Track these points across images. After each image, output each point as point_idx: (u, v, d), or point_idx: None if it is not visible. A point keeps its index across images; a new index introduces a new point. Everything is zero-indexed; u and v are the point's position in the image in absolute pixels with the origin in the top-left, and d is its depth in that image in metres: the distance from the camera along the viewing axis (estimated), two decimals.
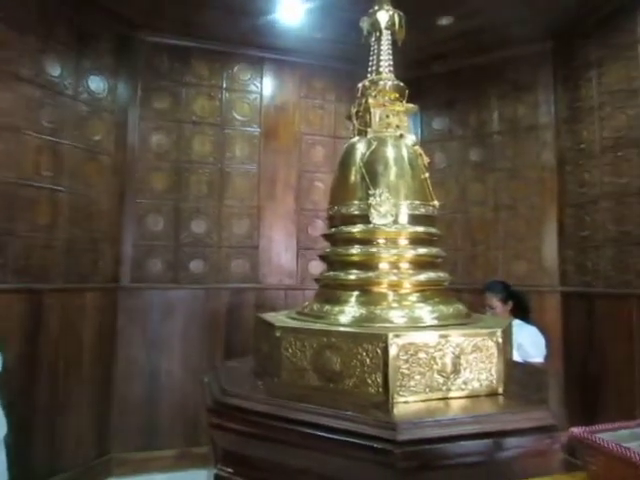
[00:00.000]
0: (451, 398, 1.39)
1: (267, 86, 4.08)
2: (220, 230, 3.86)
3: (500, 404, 1.40)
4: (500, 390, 1.44)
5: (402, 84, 1.75)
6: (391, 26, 1.78)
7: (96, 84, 3.42)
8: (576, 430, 0.96)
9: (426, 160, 1.65)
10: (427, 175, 1.63)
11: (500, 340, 1.43)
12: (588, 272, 3.55)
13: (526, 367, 2.20)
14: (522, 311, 3.03)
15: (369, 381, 1.34)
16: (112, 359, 3.51)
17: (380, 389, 1.32)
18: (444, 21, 3.56)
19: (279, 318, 1.65)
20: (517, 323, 2.91)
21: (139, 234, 3.68)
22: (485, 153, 4.10)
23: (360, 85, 1.78)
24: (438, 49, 3.99)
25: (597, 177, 3.48)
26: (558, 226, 3.82)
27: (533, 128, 3.95)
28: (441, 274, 1.67)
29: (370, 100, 1.68)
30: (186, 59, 3.87)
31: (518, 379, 1.60)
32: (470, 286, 3.80)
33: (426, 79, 4.22)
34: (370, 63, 1.81)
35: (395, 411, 1.28)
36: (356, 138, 1.76)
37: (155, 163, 3.76)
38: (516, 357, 2.70)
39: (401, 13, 1.80)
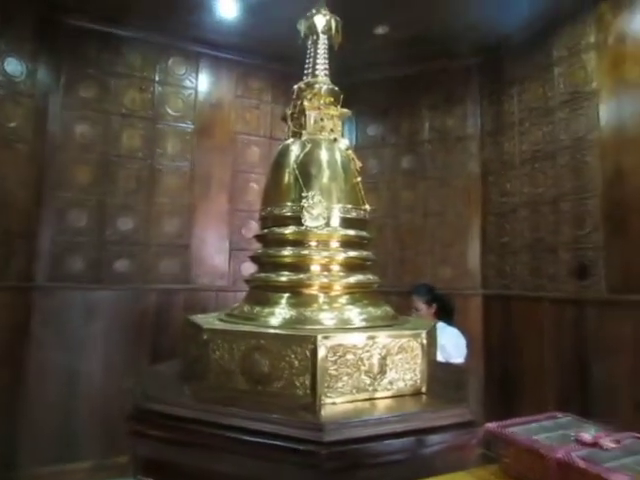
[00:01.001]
0: (377, 398, 1.42)
1: (203, 82, 3.98)
2: (149, 228, 3.70)
3: (423, 403, 1.45)
4: (424, 389, 1.49)
5: (337, 89, 1.78)
6: (328, 30, 1.79)
7: (13, 67, 3.17)
8: (490, 425, 1.02)
9: (358, 165, 1.68)
10: (359, 179, 1.66)
11: (424, 341, 1.49)
12: (507, 276, 3.79)
13: (448, 367, 2.30)
14: (445, 314, 3.17)
15: (297, 383, 1.34)
16: (22, 363, 3.24)
17: (308, 391, 1.32)
18: (380, 30, 3.66)
19: (207, 320, 1.61)
20: (440, 325, 3.03)
21: (59, 229, 3.44)
22: (416, 161, 4.26)
23: (296, 87, 1.79)
24: (374, 57, 4.09)
25: (517, 187, 3.73)
26: (481, 233, 4.05)
27: (461, 139, 4.16)
28: (371, 277, 1.71)
29: (305, 103, 1.69)
30: (117, 48, 3.68)
31: (440, 379, 1.66)
32: (399, 289, 3.92)
33: (362, 86, 4.31)
34: (306, 66, 1.82)
35: (322, 412, 1.29)
36: (290, 140, 1.76)
37: (79, 155, 3.53)
38: (439, 358, 2.82)
39: (338, 19, 1.82)
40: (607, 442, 0.89)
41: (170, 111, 3.83)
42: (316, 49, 1.81)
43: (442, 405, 1.41)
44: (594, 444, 0.89)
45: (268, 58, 4.09)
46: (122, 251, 3.60)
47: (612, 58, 3.06)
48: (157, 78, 3.81)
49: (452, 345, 2.93)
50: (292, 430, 1.21)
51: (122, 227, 3.61)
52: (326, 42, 1.82)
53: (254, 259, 1.76)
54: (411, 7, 3.37)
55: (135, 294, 3.61)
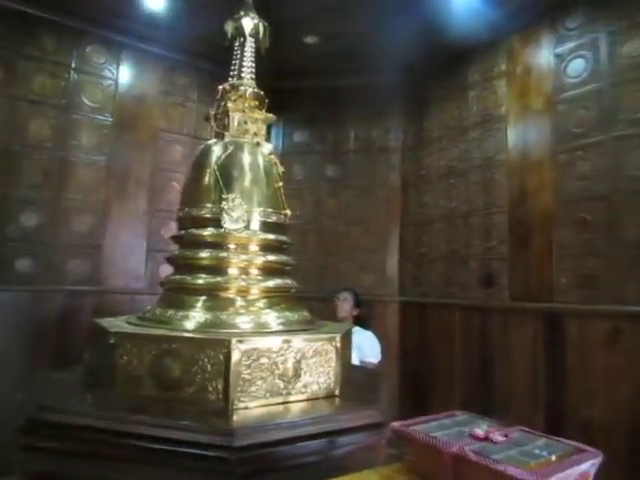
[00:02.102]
0: (291, 402, 1.43)
1: (124, 74, 3.79)
2: (56, 225, 3.43)
3: (336, 405, 1.48)
4: (337, 392, 1.53)
5: (262, 93, 1.78)
6: (255, 34, 1.80)
7: None
8: (395, 424, 1.06)
9: (281, 169, 1.70)
10: (281, 184, 1.67)
11: (339, 345, 1.52)
12: (423, 284, 3.99)
13: (361, 370, 2.37)
14: (363, 318, 3.31)
15: (210, 388, 1.31)
16: None
17: (220, 396, 1.30)
18: (310, 39, 3.72)
19: (116, 323, 1.53)
20: (357, 329, 3.16)
21: None
22: (340, 170, 4.37)
23: (220, 88, 1.76)
24: (303, 65, 4.14)
25: (433, 200, 3.95)
26: (400, 242, 4.23)
27: (384, 151, 4.32)
28: (289, 281, 1.72)
29: (229, 104, 1.67)
30: (28, 28, 3.40)
31: (354, 381, 1.71)
32: (320, 295, 3.98)
33: (290, 92, 4.35)
34: (232, 67, 1.81)
35: (235, 417, 1.28)
36: (213, 140, 1.73)
37: None
38: (355, 357, 2.91)
39: (266, 24, 1.83)
40: (497, 436, 0.97)
41: (87, 101, 3.60)
42: (243, 51, 1.80)
43: (354, 407, 1.45)
44: (485, 438, 0.97)
45: (196, 56, 4.00)
46: (25, 249, 3.32)
47: (519, 87, 3.35)
48: (73, 64, 3.57)
49: (368, 345, 3.09)
50: (202, 436, 1.18)
51: (26, 223, 3.32)
52: (253, 45, 1.81)
53: (170, 260, 1.71)
54: (339, 21, 3.47)
55: (38, 296, 3.33)
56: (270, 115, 1.77)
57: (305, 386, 1.45)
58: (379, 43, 3.76)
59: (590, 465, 0.90)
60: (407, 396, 3.87)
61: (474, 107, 3.66)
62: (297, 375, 1.43)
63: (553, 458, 0.90)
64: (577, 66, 3.00)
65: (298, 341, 1.44)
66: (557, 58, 3.12)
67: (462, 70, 3.77)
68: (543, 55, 3.21)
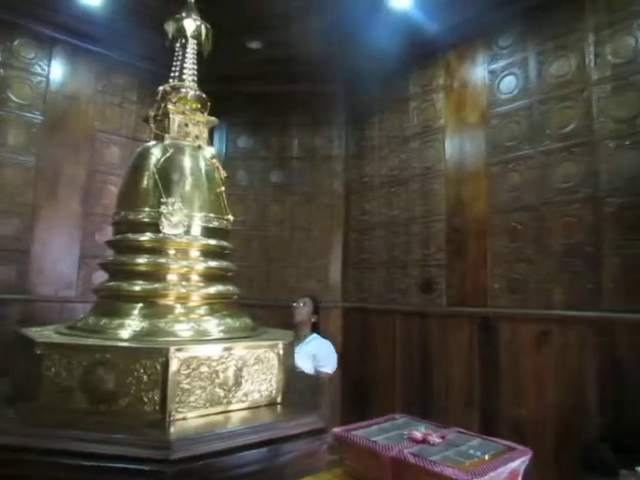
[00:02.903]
0: (232, 411, 1.40)
1: (56, 71, 3.59)
2: None
3: (277, 413, 1.47)
4: (279, 399, 1.51)
5: (204, 96, 1.74)
6: (197, 36, 1.76)
7: None
8: (336, 430, 1.07)
9: (223, 174, 1.67)
10: (223, 189, 1.64)
11: (281, 352, 1.51)
12: (365, 290, 4.05)
13: (304, 376, 2.36)
14: (320, 326, 3.26)
15: (145, 399, 1.26)
16: None
17: (157, 407, 1.25)
18: (254, 45, 3.71)
19: (43, 333, 1.43)
20: (314, 337, 3.13)
21: None
22: (285, 176, 4.37)
23: (161, 89, 1.71)
24: (248, 70, 4.12)
25: (375, 208, 4.03)
26: (343, 248, 4.28)
27: (327, 158, 4.37)
28: (231, 288, 1.69)
29: (170, 106, 1.62)
30: None
31: (296, 388, 1.70)
32: (264, 302, 3.95)
33: (235, 97, 4.31)
34: (173, 68, 1.76)
35: (172, 429, 1.23)
36: (152, 142, 1.68)
37: None
38: (309, 366, 2.88)
39: (209, 26, 1.80)
40: (434, 438, 1.00)
41: (13, 97, 3.38)
42: (184, 53, 1.76)
43: (295, 414, 1.44)
44: (423, 441, 0.99)
45: (136, 55, 3.86)
46: None
47: (456, 100, 3.51)
48: None
49: (323, 355, 3.01)
50: (137, 450, 1.13)
51: None
52: (195, 47, 1.78)
53: (104, 266, 1.63)
54: (284, 28, 3.48)
55: None
56: (212, 118, 1.74)
57: (246, 394, 1.43)
58: (324, 52, 3.81)
59: (520, 462, 0.94)
60: (349, 400, 3.91)
61: (414, 118, 3.79)
62: (238, 383, 1.40)
63: (486, 457, 0.94)
64: (509, 83, 3.19)
65: (239, 349, 1.41)
66: (491, 74, 3.30)
67: (403, 82, 3.89)
68: (478, 71, 3.38)
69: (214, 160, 1.67)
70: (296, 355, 2.92)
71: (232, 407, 1.40)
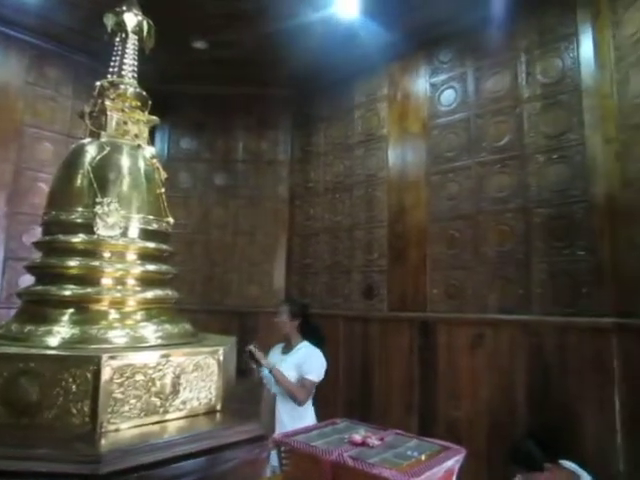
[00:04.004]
0: (169, 420, 1.34)
1: None
2: None
3: (217, 421, 1.43)
4: (219, 407, 1.47)
5: (145, 94, 1.68)
6: (139, 32, 1.70)
7: None
8: (277, 436, 1.06)
9: (164, 175, 1.61)
10: (163, 190, 1.59)
11: (222, 358, 1.47)
12: (308, 295, 4.06)
13: (246, 383, 2.32)
14: (311, 334, 2.97)
15: (74, 410, 1.19)
16: None
17: (87, 418, 1.18)
18: (199, 45, 3.63)
19: None
20: (304, 344, 2.94)
21: None
22: (229, 179, 4.31)
23: (98, 84, 1.63)
24: (193, 70, 4.03)
25: (319, 213, 4.06)
26: (287, 253, 4.26)
27: (272, 163, 4.35)
28: (170, 292, 1.63)
29: (107, 102, 1.55)
30: None
31: (237, 395, 1.67)
32: (206, 307, 3.86)
33: (179, 97, 4.21)
34: (112, 64, 1.68)
35: (103, 441, 1.17)
36: (87, 140, 1.59)
37: None
38: (294, 376, 2.75)
39: (151, 22, 1.74)
40: (373, 440, 1.01)
41: None
42: (124, 48, 1.69)
43: (235, 422, 1.41)
44: (363, 443, 1.00)
45: (72, 47, 3.67)
46: None
47: (399, 111, 3.61)
48: None
49: (308, 365, 2.79)
50: (62, 466, 1.06)
51: None
52: (136, 43, 1.71)
53: (31, 269, 1.52)
54: (230, 29, 3.44)
55: None
56: (153, 117, 1.68)
57: (184, 403, 1.38)
58: (271, 56, 3.80)
59: (455, 461, 0.98)
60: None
61: (359, 126, 3.86)
62: (176, 391, 1.35)
63: (423, 458, 0.96)
64: (448, 96, 3.33)
65: (178, 355, 1.36)
66: (432, 87, 3.43)
67: (349, 90, 3.96)
68: (420, 83, 3.50)
69: (154, 160, 1.61)
70: (282, 364, 2.83)
71: (169, 416, 1.34)
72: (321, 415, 3.66)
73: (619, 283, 2.50)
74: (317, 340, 2.94)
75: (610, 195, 2.58)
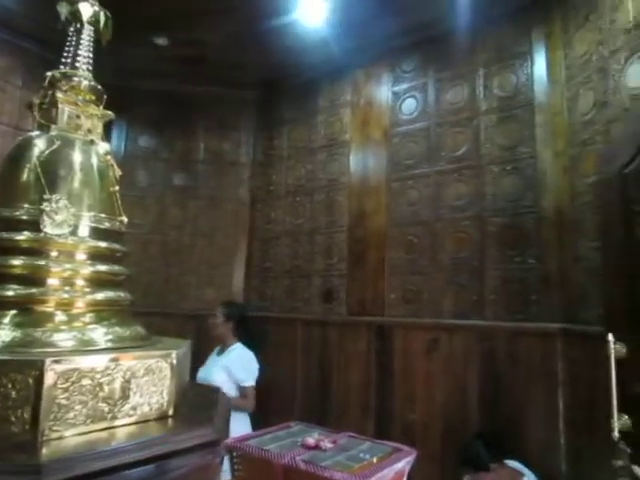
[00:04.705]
0: (117, 426, 1.29)
1: None
2: None
3: (168, 426, 1.39)
4: (171, 412, 1.43)
5: (100, 87, 1.62)
6: (95, 23, 1.64)
7: None
8: (228, 440, 1.04)
9: (118, 172, 1.56)
10: (117, 188, 1.53)
11: (175, 362, 1.43)
12: (267, 299, 4.03)
13: (201, 387, 2.27)
14: (247, 335, 3.07)
15: (13, 418, 1.12)
16: None
17: (27, 426, 1.12)
18: (161, 41, 3.55)
19: None
20: (237, 346, 2.94)
21: None
22: (188, 179, 4.22)
23: (49, 74, 1.56)
24: (153, 66, 3.94)
25: (280, 216, 4.05)
26: (247, 256, 4.22)
27: (234, 164, 4.30)
28: (122, 294, 1.57)
29: (59, 94, 1.49)
30: None
31: (191, 400, 1.63)
32: (162, 310, 3.76)
33: (138, 93, 4.09)
34: (65, 54, 1.62)
35: (44, 450, 1.11)
36: (35, 133, 1.52)
37: None
38: (224, 379, 2.72)
39: (108, 13, 1.68)
40: (326, 443, 1.01)
41: None
42: (79, 39, 1.62)
43: (187, 427, 1.37)
44: (316, 447, 1.00)
45: (22, 34, 3.49)
46: None
47: (362, 117, 3.66)
48: None
49: (238, 368, 2.82)
50: (1, 477, 1.00)
51: None
52: (92, 35, 1.65)
53: None
54: (194, 26, 3.38)
55: None
56: (108, 112, 1.62)
57: (134, 408, 1.33)
58: (235, 57, 3.77)
59: (405, 463, 0.99)
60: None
61: (322, 131, 3.88)
62: (125, 396, 1.30)
63: (374, 460, 0.97)
64: (410, 105, 3.40)
65: (128, 359, 1.31)
66: (394, 95, 3.49)
67: (313, 95, 3.97)
68: (383, 91, 3.56)
69: (108, 157, 1.55)
70: (212, 368, 2.79)
71: (118, 422, 1.29)
72: (278, 419, 3.64)
73: (565, 291, 2.62)
74: (251, 342, 3.01)
75: (558, 208, 2.70)
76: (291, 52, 3.64)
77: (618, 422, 1.63)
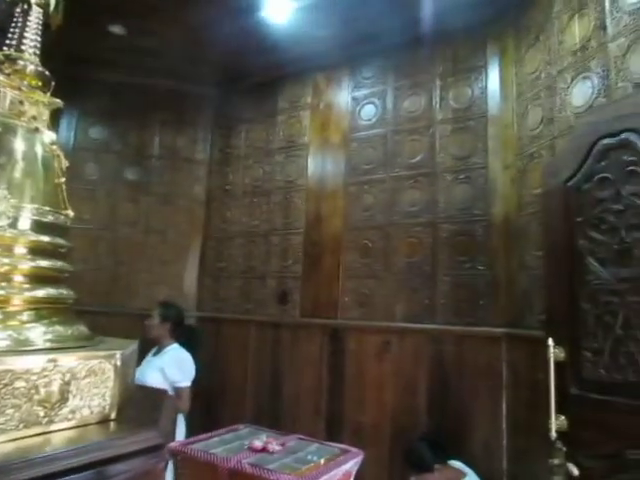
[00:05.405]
0: (54, 431, 1.22)
1: None
2: None
3: (110, 430, 1.33)
4: (113, 415, 1.37)
5: (48, 73, 1.54)
6: (44, 5, 1.56)
7: None
8: (172, 444, 1.00)
9: (65, 164, 1.48)
10: (63, 180, 1.46)
11: (119, 363, 1.38)
12: (220, 299, 3.96)
13: (146, 389, 2.20)
14: (183, 336, 3.00)
15: None
16: None
17: None
18: (116, 30, 3.43)
19: None
20: (173, 347, 2.88)
21: None
22: (142, 174, 4.09)
23: None
24: (107, 56, 3.79)
25: (236, 216, 3.99)
26: (200, 256, 4.13)
27: (190, 161, 4.21)
28: (65, 291, 1.49)
29: (1, 77, 1.40)
30: None
31: (135, 402, 1.57)
32: (109, 309, 3.62)
33: (91, 83, 3.93)
34: (10, 35, 1.52)
35: None
36: None
37: None
38: (159, 380, 2.65)
39: None
40: (274, 446, 1.00)
41: None
42: (26, 21, 1.53)
43: (129, 431, 1.32)
44: (263, 449, 0.98)
45: None
46: None
47: (321, 120, 3.67)
48: None
49: (173, 369, 2.77)
50: None
51: None
52: (41, 17, 1.57)
53: None
54: (151, 17, 3.28)
55: None
56: (56, 100, 1.54)
57: (73, 412, 1.26)
58: (195, 51, 3.69)
59: (353, 464, 0.99)
60: (198, 413, 3.74)
61: (281, 132, 3.86)
62: (64, 399, 1.24)
63: (322, 461, 0.97)
64: (369, 111, 3.44)
65: (68, 360, 1.25)
66: (354, 101, 3.53)
67: (273, 95, 3.95)
68: (342, 95, 3.59)
69: (54, 147, 1.47)
70: (147, 369, 2.71)
71: (54, 427, 1.22)
72: (229, 422, 3.59)
73: (511, 297, 2.73)
74: (188, 344, 2.96)
75: (506, 217, 2.82)
76: (253, 51, 3.60)
77: (556, 422, 1.71)
